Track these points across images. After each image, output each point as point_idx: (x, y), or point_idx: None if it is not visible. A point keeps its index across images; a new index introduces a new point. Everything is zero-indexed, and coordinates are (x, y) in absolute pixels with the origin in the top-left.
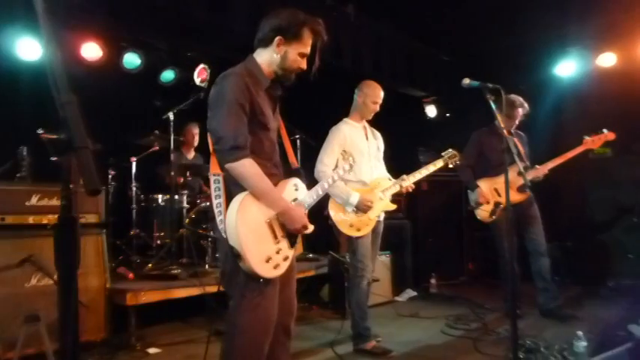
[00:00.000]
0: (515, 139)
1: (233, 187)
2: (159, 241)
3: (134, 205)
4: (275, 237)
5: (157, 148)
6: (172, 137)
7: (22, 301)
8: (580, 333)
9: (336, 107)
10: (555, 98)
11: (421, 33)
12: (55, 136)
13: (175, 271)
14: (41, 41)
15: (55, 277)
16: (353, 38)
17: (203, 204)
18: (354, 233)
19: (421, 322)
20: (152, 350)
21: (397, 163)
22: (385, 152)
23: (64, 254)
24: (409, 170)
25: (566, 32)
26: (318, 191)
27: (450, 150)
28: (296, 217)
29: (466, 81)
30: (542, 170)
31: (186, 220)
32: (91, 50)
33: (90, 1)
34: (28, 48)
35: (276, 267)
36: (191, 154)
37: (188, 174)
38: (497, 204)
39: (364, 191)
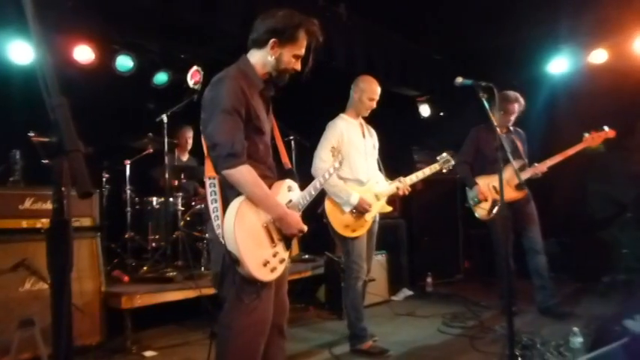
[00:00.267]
0: (514, 137)
1: (229, 190)
2: (154, 244)
3: (129, 208)
4: (272, 241)
5: (151, 150)
6: (166, 140)
7: (16, 306)
8: (576, 329)
9: (330, 108)
10: (548, 95)
11: (413, 32)
12: (46, 139)
13: (171, 274)
14: (32, 44)
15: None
16: (345, 38)
17: (198, 206)
18: (349, 234)
19: (418, 321)
20: (148, 353)
21: (391, 162)
22: (379, 151)
23: (56, 258)
24: (403, 169)
25: (558, 30)
26: (310, 191)
27: (445, 154)
28: (292, 222)
29: (459, 79)
30: (540, 168)
31: (182, 223)
32: (84, 53)
33: (82, 3)
34: (20, 51)
35: (273, 270)
36: (185, 157)
37: (182, 176)
38: (495, 201)
39: (363, 192)
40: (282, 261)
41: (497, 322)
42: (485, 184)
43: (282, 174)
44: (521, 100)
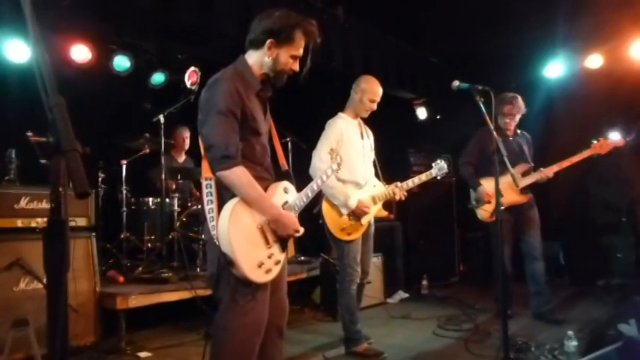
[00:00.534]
0: (520, 140)
1: (224, 191)
2: (149, 245)
3: (124, 209)
4: (267, 242)
5: (148, 151)
6: (163, 140)
7: (10, 305)
8: (570, 333)
9: (327, 109)
10: (544, 99)
11: (411, 35)
12: (43, 139)
13: (166, 275)
14: (29, 43)
15: (45, 280)
16: (343, 41)
17: (194, 207)
18: (344, 237)
19: (413, 323)
20: (143, 354)
21: (388, 164)
22: (376, 154)
23: (53, 257)
24: (400, 172)
25: (554, 34)
26: (307, 193)
27: (439, 161)
28: (288, 224)
29: (456, 83)
30: (546, 173)
31: (177, 224)
32: (81, 52)
33: (79, 3)
34: (17, 50)
35: (267, 272)
36: (182, 158)
37: (179, 177)
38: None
39: (361, 194)
40: (277, 262)
41: (492, 325)
42: (491, 185)
43: (279, 175)
44: (519, 100)
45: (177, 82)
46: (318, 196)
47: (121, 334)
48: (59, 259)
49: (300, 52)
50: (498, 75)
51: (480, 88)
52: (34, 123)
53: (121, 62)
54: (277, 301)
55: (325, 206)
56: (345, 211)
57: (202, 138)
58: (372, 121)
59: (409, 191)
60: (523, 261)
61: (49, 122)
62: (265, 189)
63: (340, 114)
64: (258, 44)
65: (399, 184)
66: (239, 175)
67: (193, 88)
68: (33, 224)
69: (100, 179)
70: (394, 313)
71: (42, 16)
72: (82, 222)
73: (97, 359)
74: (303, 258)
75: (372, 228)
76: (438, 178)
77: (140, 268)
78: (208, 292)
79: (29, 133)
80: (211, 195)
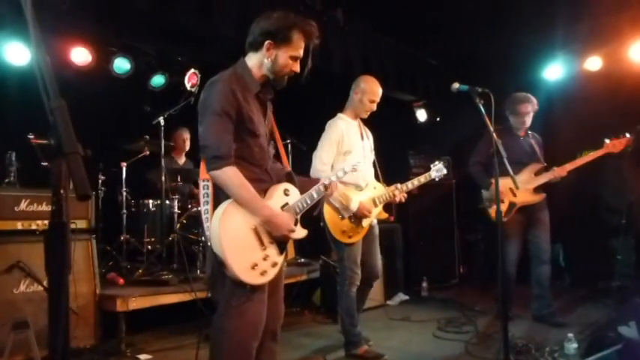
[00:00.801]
0: (532, 141)
1: (220, 193)
2: (149, 247)
3: (124, 211)
4: (261, 244)
5: (148, 153)
6: (163, 142)
7: (10, 308)
8: (571, 335)
9: (327, 111)
10: (543, 101)
11: (410, 37)
12: (44, 141)
13: (166, 277)
14: (30, 46)
15: (45, 282)
16: (342, 43)
17: (194, 209)
18: (345, 240)
19: (413, 325)
20: (142, 357)
21: (388, 166)
22: (376, 156)
23: (54, 260)
24: (399, 174)
25: (553, 36)
26: (312, 195)
27: (437, 163)
28: (281, 224)
29: (455, 85)
30: (559, 172)
31: (177, 226)
32: (81, 55)
33: (79, 6)
34: (16, 53)
35: (263, 274)
36: (182, 159)
37: (179, 179)
38: (512, 204)
39: (362, 197)
40: (274, 265)
41: (492, 327)
42: (503, 185)
43: (281, 177)
44: (533, 99)
45: (177, 85)
46: (320, 199)
47: (121, 337)
48: (60, 261)
49: (300, 52)
50: (498, 77)
51: (479, 90)
52: (34, 126)
53: (121, 64)
54: (273, 305)
55: (326, 208)
56: (346, 214)
57: (199, 138)
58: (371, 123)
59: (409, 193)
60: (527, 262)
61: (50, 125)
62: (265, 191)
63: (340, 115)
64: (256, 46)
65: (399, 185)
66: (230, 176)
67: (193, 90)
68: (33, 227)
69: (100, 181)
70: (394, 316)
71: (42, 19)
72: (82, 224)
73: None
74: (303, 260)
75: (377, 229)
76: (437, 179)
77: (140, 271)
78: (209, 294)
79: (31, 136)
80: (207, 196)
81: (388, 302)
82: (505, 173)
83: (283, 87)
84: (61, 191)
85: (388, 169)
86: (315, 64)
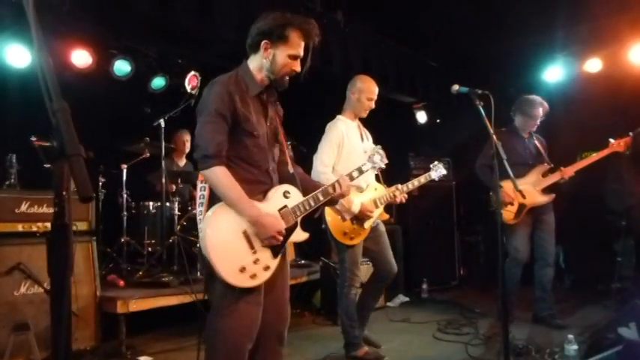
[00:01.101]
0: (536, 142)
1: (215, 195)
2: (149, 249)
3: (125, 213)
4: (251, 247)
5: (148, 155)
6: (163, 144)
7: (10, 310)
8: (571, 336)
9: (326, 113)
10: None
11: (410, 39)
12: (47, 143)
13: (166, 279)
14: (32, 48)
15: (45, 284)
16: (342, 44)
17: (194, 211)
18: (347, 241)
19: (413, 327)
20: (143, 358)
21: (388, 168)
22: None
23: (56, 261)
24: (399, 175)
25: (553, 38)
26: (318, 197)
27: (437, 163)
28: (267, 225)
29: (455, 87)
30: (567, 172)
31: (178, 227)
32: (81, 57)
33: (79, 8)
34: (17, 55)
35: (252, 277)
36: (182, 161)
37: (179, 181)
38: (522, 205)
39: (363, 198)
40: (266, 268)
41: (492, 328)
42: (511, 187)
43: (283, 179)
44: (546, 104)
45: (178, 87)
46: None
47: (121, 338)
48: (63, 262)
49: (299, 51)
50: (498, 79)
51: (479, 92)
52: (35, 128)
53: (122, 67)
54: (277, 307)
55: (328, 210)
56: (347, 217)
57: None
58: (371, 125)
59: (409, 194)
60: (529, 264)
61: (52, 127)
62: (265, 192)
63: (339, 116)
64: (255, 47)
65: (399, 186)
66: (217, 175)
67: (193, 92)
68: (34, 229)
69: (100, 183)
70: (394, 317)
71: (42, 21)
72: (82, 226)
73: None
74: (303, 262)
75: (382, 225)
76: (437, 180)
77: (140, 272)
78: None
79: (33, 138)
80: (203, 198)
81: (388, 304)
82: (518, 176)
83: (285, 88)
84: (64, 193)
85: (388, 170)
86: (315, 65)
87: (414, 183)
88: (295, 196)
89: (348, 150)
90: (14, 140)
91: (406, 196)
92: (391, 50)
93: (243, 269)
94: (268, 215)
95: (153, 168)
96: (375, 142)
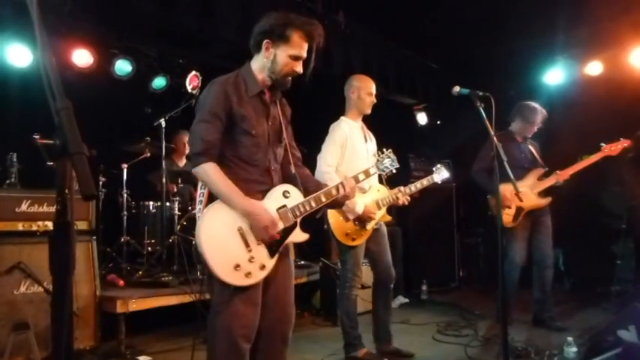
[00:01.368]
0: (531, 146)
1: (214, 195)
2: (149, 249)
3: (125, 212)
4: (247, 245)
5: (148, 155)
6: (164, 144)
7: (10, 309)
8: (570, 339)
9: (327, 114)
10: (544, 106)
11: (411, 40)
12: (50, 142)
13: (166, 279)
14: (33, 48)
15: (45, 284)
16: (343, 46)
17: (194, 211)
18: (349, 242)
19: (412, 328)
20: (142, 358)
21: None
22: None
23: (58, 259)
24: (400, 177)
25: (554, 41)
26: (320, 198)
27: (440, 166)
28: (261, 219)
29: (456, 89)
30: (563, 175)
31: (178, 227)
32: (82, 57)
33: (80, 8)
34: (18, 54)
35: (247, 275)
36: (182, 161)
37: (179, 181)
38: (519, 209)
39: (366, 199)
40: (262, 267)
41: (491, 330)
42: (508, 190)
43: (286, 179)
44: (544, 111)
45: (178, 87)
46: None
47: (121, 338)
48: (65, 260)
49: (301, 52)
50: (498, 81)
51: (480, 93)
52: (36, 127)
53: (122, 66)
54: (281, 308)
55: (330, 211)
56: (351, 217)
57: None
58: (372, 126)
59: (410, 196)
60: (529, 267)
61: (55, 125)
62: (264, 192)
63: (343, 118)
64: (257, 47)
65: (402, 188)
66: (206, 171)
67: (194, 92)
68: (34, 228)
69: (100, 183)
70: (394, 319)
71: (44, 21)
72: (82, 226)
73: None
74: (303, 262)
75: (384, 227)
76: (439, 182)
77: (140, 272)
78: (208, 295)
79: (36, 136)
80: (202, 196)
81: None
82: (507, 179)
83: (287, 89)
84: (66, 191)
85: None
86: (315, 66)
87: (417, 185)
88: (295, 197)
89: (350, 151)
90: (15, 139)
91: (409, 198)
92: (392, 52)
93: (237, 267)
94: (261, 208)
95: (153, 168)
96: (376, 143)
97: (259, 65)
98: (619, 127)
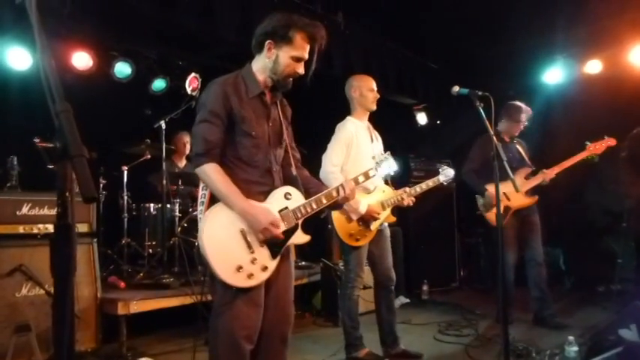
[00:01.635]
0: (518, 146)
1: (215, 196)
2: (150, 250)
3: (125, 214)
4: (249, 246)
5: (149, 156)
6: (164, 146)
7: (12, 311)
8: (571, 338)
9: (327, 115)
10: (543, 105)
11: (410, 41)
12: (50, 145)
13: (167, 280)
14: (33, 50)
15: (47, 286)
16: (343, 46)
17: (195, 212)
18: (352, 243)
19: (413, 328)
20: None
21: None
22: None
23: (60, 262)
24: (400, 177)
25: (553, 40)
26: (321, 200)
27: (445, 167)
28: (259, 221)
29: (455, 89)
30: (549, 174)
31: (178, 229)
32: (82, 59)
33: (80, 10)
34: (18, 57)
35: (250, 277)
36: (182, 163)
37: (180, 182)
38: (507, 208)
39: (370, 200)
40: (264, 269)
41: (492, 330)
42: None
43: (287, 181)
44: (529, 110)
45: (178, 88)
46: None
47: (122, 340)
48: (66, 263)
49: (303, 54)
50: (498, 80)
51: (479, 93)
52: (36, 130)
53: (122, 69)
54: (281, 309)
55: (334, 211)
56: (355, 216)
57: None
58: (372, 126)
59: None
60: (524, 266)
61: (55, 128)
62: (266, 194)
63: (349, 117)
64: (258, 48)
65: (407, 189)
66: (206, 172)
67: (194, 94)
68: (35, 230)
69: (101, 185)
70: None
71: (43, 24)
72: (83, 228)
73: None
74: (304, 263)
75: (387, 230)
76: (445, 184)
77: (141, 274)
78: (209, 297)
79: (36, 139)
80: (204, 197)
81: None
82: (502, 178)
83: (287, 89)
84: (67, 194)
85: None
86: (315, 67)
87: (422, 187)
88: (297, 198)
89: (356, 151)
90: (15, 142)
91: (414, 199)
92: (391, 52)
93: (239, 268)
94: (260, 207)
95: (154, 169)
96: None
97: (261, 66)
98: (618, 125)
